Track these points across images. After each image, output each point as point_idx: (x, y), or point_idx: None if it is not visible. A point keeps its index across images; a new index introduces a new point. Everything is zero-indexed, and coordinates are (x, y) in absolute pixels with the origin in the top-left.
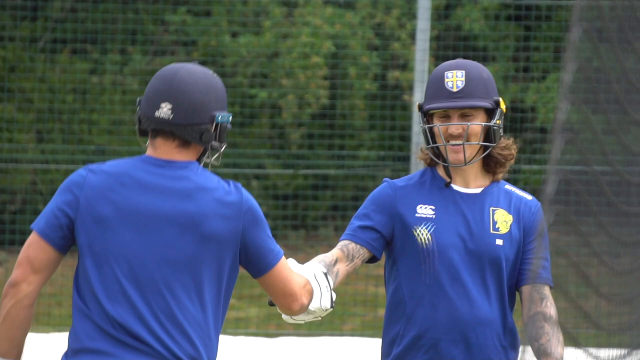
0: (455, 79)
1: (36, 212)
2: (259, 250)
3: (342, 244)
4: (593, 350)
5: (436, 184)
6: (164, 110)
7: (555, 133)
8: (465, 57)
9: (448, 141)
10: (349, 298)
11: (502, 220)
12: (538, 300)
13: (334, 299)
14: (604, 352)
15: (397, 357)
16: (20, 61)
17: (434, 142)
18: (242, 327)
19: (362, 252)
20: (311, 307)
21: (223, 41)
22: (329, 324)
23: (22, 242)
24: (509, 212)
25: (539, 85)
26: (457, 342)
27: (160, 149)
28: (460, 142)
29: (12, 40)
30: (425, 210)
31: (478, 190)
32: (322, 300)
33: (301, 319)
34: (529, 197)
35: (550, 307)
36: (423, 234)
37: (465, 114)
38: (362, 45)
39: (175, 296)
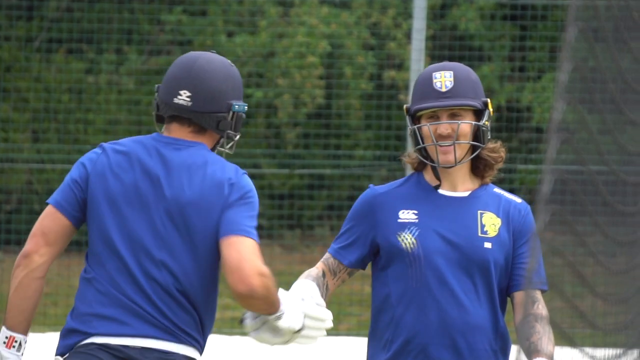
0: (443, 79)
1: (32, 212)
2: (229, 219)
3: (325, 257)
4: (589, 350)
5: (421, 188)
6: (183, 97)
7: (551, 133)
8: (461, 57)
9: (437, 142)
10: (345, 298)
11: (491, 223)
12: (530, 304)
13: (323, 314)
14: (600, 352)
15: None
16: (16, 61)
17: (423, 143)
18: (238, 327)
19: (342, 268)
20: (281, 323)
21: (219, 41)
22: None
23: (18, 242)
24: (498, 215)
25: (534, 85)
26: (446, 347)
27: (175, 133)
28: (450, 142)
29: (8, 40)
30: (407, 215)
31: (465, 194)
32: (292, 319)
33: (268, 339)
34: (518, 200)
35: (542, 309)
36: (407, 238)
37: (454, 114)
38: (358, 44)
39: (176, 269)
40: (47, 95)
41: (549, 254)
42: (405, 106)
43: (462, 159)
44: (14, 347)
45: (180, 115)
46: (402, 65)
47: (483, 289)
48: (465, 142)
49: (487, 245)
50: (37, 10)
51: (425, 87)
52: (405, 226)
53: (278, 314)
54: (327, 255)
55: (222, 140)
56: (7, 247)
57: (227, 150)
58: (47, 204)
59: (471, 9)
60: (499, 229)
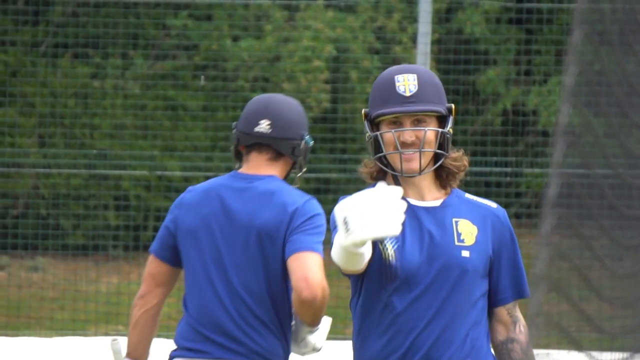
0: (407, 82)
1: (38, 217)
2: (294, 240)
3: None
4: (596, 354)
5: None
6: (263, 125)
7: (557, 136)
8: (466, 61)
9: (401, 149)
10: None
11: (467, 231)
12: (510, 324)
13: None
14: (606, 356)
15: None
16: (22, 66)
17: (384, 150)
18: None
19: None
20: (311, 338)
21: (224, 45)
22: (332, 328)
23: (24, 247)
24: (473, 223)
25: (540, 88)
26: None
27: (252, 162)
28: (416, 149)
29: (14, 45)
30: None
31: (437, 203)
32: (320, 339)
33: (302, 351)
34: (493, 205)
35: (525, 334)
36: (388, 249)
37: (418, 120)
38: (364, 48)
39: (254, 295)
40: (53, 100)
41: (555, 257)
42: (363, 111)
43: (425, 168)
44: None
45: (260, 143)
46: None
47: (461, 303)
48: (431, 150)
49: (465, 253)
50: (43, 15)
51: (387, 91)
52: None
53: (314, 329)
54: None
55: (294, 168)
56: (13, 251)
57: (297, 179)
58: (149, 252)
59: (477, 12)
60: (476, 236)
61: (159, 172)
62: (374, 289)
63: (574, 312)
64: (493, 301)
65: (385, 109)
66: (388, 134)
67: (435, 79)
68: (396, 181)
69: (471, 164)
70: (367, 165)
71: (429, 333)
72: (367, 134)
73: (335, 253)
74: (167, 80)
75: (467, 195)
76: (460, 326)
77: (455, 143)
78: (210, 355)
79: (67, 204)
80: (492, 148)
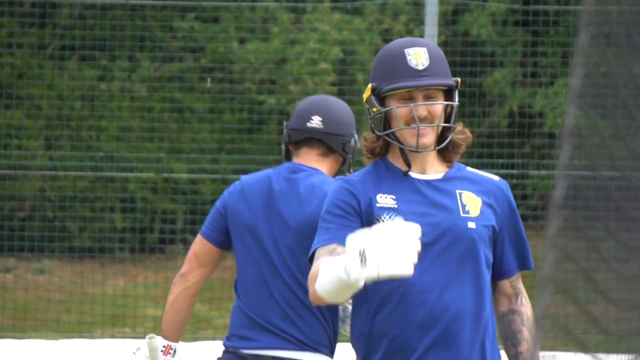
0: (418, 56)
1: (45, 219)
2: None
3: (329, 249)
4: (602, 356)
5: (392, 173)
6: (315, 121)
7: (564, 138)
8: (473, 63)
9: (409, 125)
10: None
11: (472, 202)
12: (512, 296)
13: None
14: (613, 358)
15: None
16: (29, 68)
17: (391, 126)
18: None
19: None
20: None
21: (231, 47)
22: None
23: (31, 249)
24: (477, 195)
25: (547, 90)
26: (433, 339)
27: (302, 157)
28: (428, 124)
29: (21, 47)
30: (386, 200)
31: (439, 176)
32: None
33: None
34: (496, 178)
35: (526, 305)
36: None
37: (429, 95)
38: (370, 51)
39: (301, 285)
40: (59, 103)
41: (562, 259)
42: (371, 85)
43: (438, 143)
44: (170, 354)
45: (311, 138)
46: None
47: (470, 273)
48: (448, 125)
49: (471, 225)
50: (49, 18)
51: (398, 64)
52: (383, 211)
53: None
54: (331, 247)
55: (343, 166)
56: (20, 254)
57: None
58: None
59: (483, 14)
60: (481, 208)
61: (165, 174)
62: None
63: (581, 314)
64: (497, 273)
65: (399, 83)
66: (404, 109)
67: (441, 52)
68: (404, 156)
69: (477, 165)
70: (368, 139)
71: (443, 307)
72: (374, 109)
73: (330, 282)
74: (174, 82)
75: (469, 168)
76: (474, 299)
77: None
78: (261, 344)
79: (73, 206)
80: (498, 150)
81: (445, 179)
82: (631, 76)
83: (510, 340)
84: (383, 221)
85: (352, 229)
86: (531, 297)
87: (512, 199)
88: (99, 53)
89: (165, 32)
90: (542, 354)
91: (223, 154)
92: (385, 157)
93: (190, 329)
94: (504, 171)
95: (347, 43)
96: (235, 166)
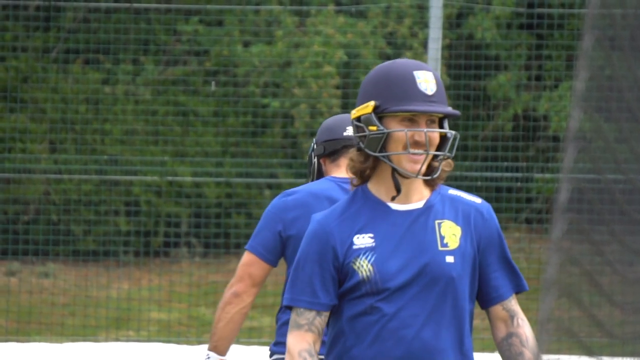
0: (427, 80)
1: (49, 222)
2: None
3: (306, 320)
4: (607, 359)
5: (371, 205)
6: (351, 131)
7: (568, 141)
8: (477, 66)
9: (406, 148)
10: None
11: (451, 233)
12: (508, 319)
13: None
14: None
15: None
16: (33, 71)
17: (387, 149)
18: (255, 337)
19: (327, 316)
20: None
21: (235, 51)
22: None
23: (35, 253)
24: (457, 224)
25: (551, 93)
26: None
27: (344, 167)
28: (424, 149)
29: (25, 51)
30: (363, 240)
31: (420, 205)
32: None
33: None
34: (478, 200)
35: (523, 326)
36: (363, 265)
37: (431, 120)
38: (374, 54)
39: None
40: (64, 106)
41: (566, 263)
42: (373, 103)
43: (434, 170)
44: None
45: (350, 146)
46: None
47: (449, 309)
48: (449, 155)
49: (449, 259)
50: (54, 21)
51: (408, 86)
52: (360, 252)
53: None
54: (306, 316)
55: None
56: (24, 257)
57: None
58: (247, 249)
59: (487, 18)
60: (460, 239)
61: (169, 178)
62: (355, 300)
63: (585, 318)
64: (487, 300)
65: (410, 106)
66: (403, 132)
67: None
68: (395, 181)
69: (482, 169)
70: (355, 159)
71: (422, 343)
72: (373, 128)
73: None
74: (178, 85)
75: (451, 191)
76: (453, 333)
77: (466, 148)
78: None
79: (77, 209)
80: (502, 153)
81: (426, 207)
82: (635, 79)
83: None
84: (359, 265)
85: (329, 283)
86: (536, 300)
87: (495, 222)
88: (103, 56)
89: (169, 35)
90: (546, 357)
91: (227, 157)
92: (365, 185)
93: (195, 332)
94: (509, 174)
95: (351, 46)
96: (239, 169)
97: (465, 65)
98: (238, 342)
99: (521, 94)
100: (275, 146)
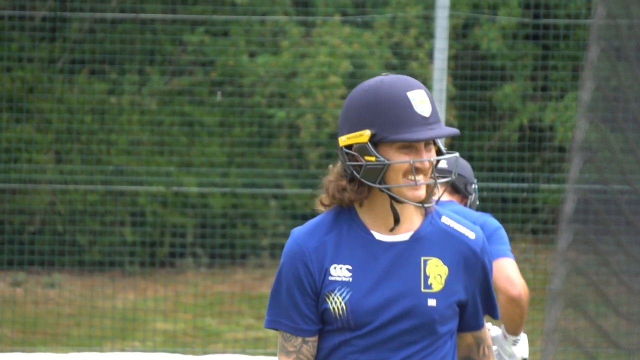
0: (422, 101)
1: (55, 233)
2: None
3: (294, 346)
4: None
5: (355, 233)
6: None
7: (574, 152)
8: (483, 77)
9: (406, 177)
10: None
11: (436, 273)
12: (474, 346)
13: None
14: None
15: None
16: (39, 82)
17: (386, 177)
18: (261, 347)
19: (315, 342)
20: (515, 349)
21: (241, 61)
22: None
23: (41, 263)
24: (444, 262)
25: (557, 104)
26: None
27: None
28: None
29: (31, 61)
30: (340, 272)
31: (407, 237)
32: (524, 349)
33: None
34: (471, 234)
35: (488, 356)
36: (336, 302)
37: (427, 144)
38: (380, 64)
39: None
40: (69, 116)
41: (572, 273)
42: (369, 132)
43: (439, 196)
44: None
45: None
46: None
47: (430, 348)
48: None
49: (432, 302)
50: (59, 32)
51: (405, 111)
52: (335, 285)
53: (517, 339)
54: (293, 343)
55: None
56: (30, 268)
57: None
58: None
59: (493, 28)
60: (445, 280)
61: (175, 188)
62: (330, 333)
63: (591, 328)
64: (465, 327)
65: (412, 135)
66: (426, 161)
67: None
68: (394, 210)
69: (488, 179)
70: (350, 190)
71: None
72: (371, 158)
73: None
74: (184, 96)
75: (444, 219)
76: None
77: (472, 159)
78: None
79: (83, 220)
80: (508, 164)
81: (412, 240)
82: None
83: None
84: (332, 300)
85: (311, 306)
86: (542, 311)
87: (486, 258)
88: (109, 67)
89: (175, 46)
90: None
91: (233, 168)
92: (354, 210)
93: (201, 342)
94: (514, 185)
95: (357, 56)
96: (245, 179)
97: (471, 76)
98: (244, 353)
99: (527, 105)
100: (281, 156)
